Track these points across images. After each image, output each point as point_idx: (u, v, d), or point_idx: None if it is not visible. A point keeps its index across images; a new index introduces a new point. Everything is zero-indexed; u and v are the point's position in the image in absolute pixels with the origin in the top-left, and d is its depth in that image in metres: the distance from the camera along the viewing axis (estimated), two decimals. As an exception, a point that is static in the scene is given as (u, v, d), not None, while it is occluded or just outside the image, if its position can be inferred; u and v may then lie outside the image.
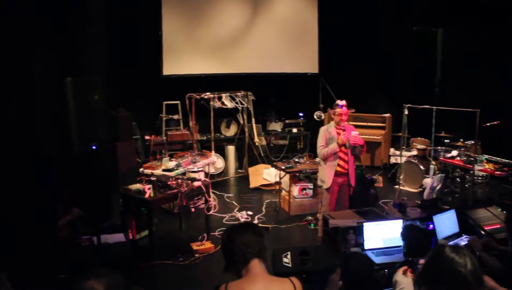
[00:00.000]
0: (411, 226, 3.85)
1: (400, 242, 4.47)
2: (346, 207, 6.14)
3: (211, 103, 9.01)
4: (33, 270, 4.13)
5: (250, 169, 9.53)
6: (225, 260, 2.61)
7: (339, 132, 6.02)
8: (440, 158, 8.54)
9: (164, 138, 9.62)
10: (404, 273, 3.25)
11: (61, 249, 4.95)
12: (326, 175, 6.11)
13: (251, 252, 2.53)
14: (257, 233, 2.62)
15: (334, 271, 3.36)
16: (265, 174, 9.15)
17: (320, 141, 6.12)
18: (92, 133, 5.35)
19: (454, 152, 8.28)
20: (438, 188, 8.04)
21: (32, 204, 4.17)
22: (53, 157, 4.60)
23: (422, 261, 3.29)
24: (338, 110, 6.00)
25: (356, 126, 10.14)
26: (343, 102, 6.04)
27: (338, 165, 6.05)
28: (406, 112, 7.72)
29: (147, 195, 5.92)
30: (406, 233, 3.81)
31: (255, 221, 7.31)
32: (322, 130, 6.18)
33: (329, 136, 6.05)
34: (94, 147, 5.36)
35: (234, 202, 8.27)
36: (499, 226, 4.83)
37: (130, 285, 2.30)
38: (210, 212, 6.84)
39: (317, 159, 6.32)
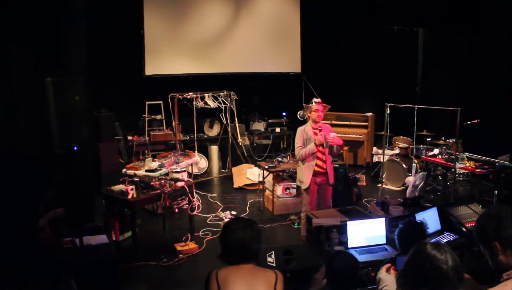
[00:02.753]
0: (411, 223, 3.84)
1: (383, 240, 4.52)
2: (327, 206, 6.14)
3: (194, 103, 9.00)
4: (15, 271, 4.08)
5: (234, 169, 9.53)
6: (221, 248, 2.88)
7: (315, 132, 5.99)
8: (422, 156, 8.63)
9: (147, 138, 9.58)
10: (388, 270, 3.27)
11: (43, 251, 4.89)
12: (304, 175, 6.08)
13: (245, 255, 2.82)
14: (256, 232, 2.87)
15: (318, 270, 3.37)
16: (248, 174, 9.15)
17: (298, 142, 6.06)
18: (73, 134, 5.27)
19: (436, 151, 8.36)
20: (420, 186, 8.12)
21: (13, 205, 4.12)
22: (34, 158, 4.55)
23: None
24: (314, 106, 5.97)
25: (339, 125, 10.32)
26: (319, 99, 6.04)
27: (316, 165, 6.02)
28: (388, 111, 7.78)
29: (130, 196, 5.89)
30: (406, 229, 3.77)
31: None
32: (299, 130, 6.12)
33: (306, 137, 6.02)
34: (75, 148, 5.29)
35: (218, 202, 8.26)
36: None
37: None
38: (194, 213, 6.83)
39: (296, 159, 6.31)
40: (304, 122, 9.88)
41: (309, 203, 6.10)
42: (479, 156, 7.89)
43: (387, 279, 3.17)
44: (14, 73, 4.13)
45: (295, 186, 7.73)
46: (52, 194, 5.43)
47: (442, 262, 2.17)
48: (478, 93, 8.97)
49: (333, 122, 10.37)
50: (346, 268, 3.20)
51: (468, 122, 7.90)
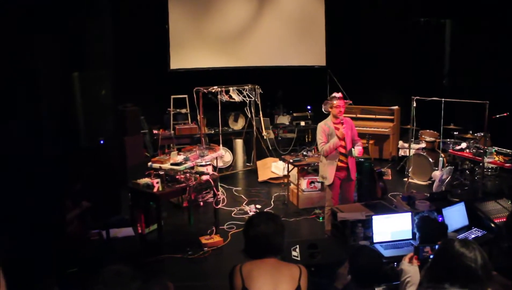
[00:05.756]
0: (426, 218, 3.83)
1: (409, 235, 4.47)
2: (351, 201, 6.11)
3: (219, 96, 9.01)
4: (43, 264, 4.15)
5: (258, 163, 9.53)
6: (245, 242, 2.90)
7: (337, 127, 5.97)
8: (449, 150, 8.49)
9: (172, 132, 9.64)
10: (410, 260, 3.23)
11: (71, 244, 4.97)
12: (327, 171, 6.06)
13: (269, 249, 2.83)
14: (279, 226, 2.89)
15: (343, 264, 3.35)
16: (273, 168, 9.15)
17: (321, 137, 6.03)
18: (99, 128, 5.34)
19: (463, 144, 8.23)
20: (447, 180, 8.00)
21: (41, 199, 4.19)
22: (61, 152, 4.61)
23: (427, 248, 3.27)
24: (336, 102, 5.94)
25: (364, 119, 10.22)
26: (340, 94, 6.00)
27: (339, 160, 6.01)
28: (415, 104, 7.67)
29: (155, 189, 5.94)
30: (421, 225, 3.80)
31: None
32: (320, 126, 6.09)
33: (328, 132, 5.98)
34: (102, 142, 5.35)
35: (242, 196, 8.28)
36: (509, 218, 4.79)
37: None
38: (219, 206, 6.85)
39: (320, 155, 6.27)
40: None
41: (332, 198, 6.08)
42: (508, 150, 7.75)
43: (410, 270, 3.13)
44: (41, 68, 4.19)
45: (320, 180, 7.69)
46: (79, 187, 5.52)
47: (471, 261, 2.13)
48: (508, 86, 8.78)
49: (358, 115, 10.30)
50: (370, 264, 3.17)
51: (497, 116, 7.75)
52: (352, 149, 6.02)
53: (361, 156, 6.09)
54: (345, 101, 6.01)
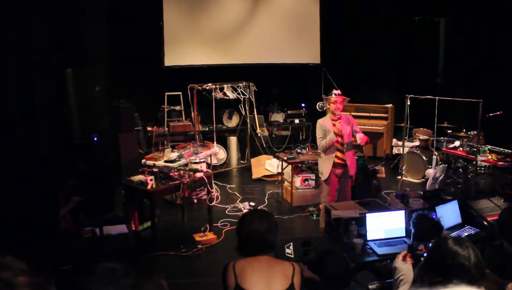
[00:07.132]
0: (423, 215, 3.85)
1: (402, 233, 4.48)
2: (348, 198, 6.14)
3: (213, 94, 9.00)
4: (35, 261, 4.13)
5: (252, 160, 9.53)
6: (238, 240, 2.90)
7: (334, 123, 6.01)
8: (443, 148, 8.53)
9: (166, 129, 9.61)
10: (404, 258, 3.24)
11: (64, 240, 4.94)
12: (324, 166, 6.13)
13: (262, 246, 2.82)
14: (272, 223, 2.88)
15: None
16: (267, 165, 9.15)
17: (319, 133, 6.12)
18: (93, 124, 5.32)
19: (457, 143, 8.26)
20: (440, 178, 8.03)
21: (35, 195, 4.17)
22: (54, 148, 4.59)
23: (421, 246, 3.28)
24: (333, 98, 5.98)
25: (359, 117, 10.22)
26: (338, 91, 6.04)
27: (336, 156, 6.05)
28: (409, 102, 7.69)
29: (149, 187, 5.93)
30: (417, 222, 3.81)
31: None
32: (319, 122, 6.18)
33: (325, 128, 6.05)
34: (95, 139, 5.34)
35: (236, 193, 8.27)
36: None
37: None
38: (213, 203, 6.84)
39: (318, 151, 6.33)
40: (323, 113, 9.83)
41: (328, 194, 6.11)
42: (501, 149, 7.78)
43: (404, 268, 3.14)
44: (35, 64, 4.16)
45: (314, 178, 7.71)
46: (73, 183, 5.49)
47: (464, 259, 2.14)
48: (501, 85, 8.81)
49: (353, 113, 10.28)
50: (336, 270, 3.17)
51: (491, 114, 7.78)
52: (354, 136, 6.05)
53: (364, 144, 6.10)
54: (343, 97, 6.03)
